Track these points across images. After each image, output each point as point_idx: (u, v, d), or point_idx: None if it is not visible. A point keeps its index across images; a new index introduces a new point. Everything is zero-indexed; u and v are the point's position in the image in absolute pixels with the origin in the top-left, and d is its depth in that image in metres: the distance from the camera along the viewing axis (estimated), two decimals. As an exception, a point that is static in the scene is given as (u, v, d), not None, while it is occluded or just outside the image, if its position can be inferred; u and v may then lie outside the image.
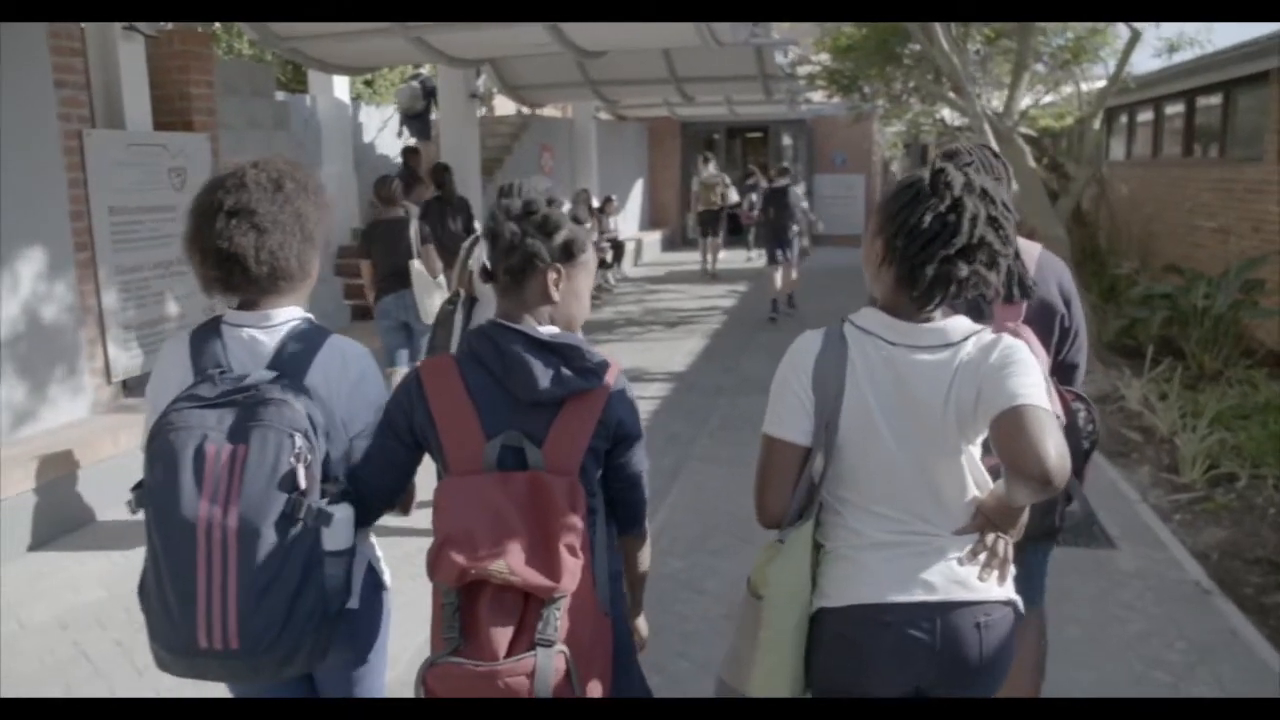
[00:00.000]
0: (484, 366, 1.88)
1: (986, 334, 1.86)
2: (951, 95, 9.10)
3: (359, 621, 2.00)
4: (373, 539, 2.10)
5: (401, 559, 3.76)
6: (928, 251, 1.78)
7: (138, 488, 1.82)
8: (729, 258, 17.55)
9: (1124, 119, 13.62)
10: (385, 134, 13.64)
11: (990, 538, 1.88)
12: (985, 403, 1.77)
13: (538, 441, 1.85)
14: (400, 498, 2.04)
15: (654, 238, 19.70)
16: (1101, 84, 11.18)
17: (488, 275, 1.96)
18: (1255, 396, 6.54)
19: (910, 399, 1.83)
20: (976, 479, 1.90)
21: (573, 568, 1.77)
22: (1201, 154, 11.27)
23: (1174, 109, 12.15)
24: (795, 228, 11.16)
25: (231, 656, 1.75)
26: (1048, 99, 11.72)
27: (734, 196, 16.12)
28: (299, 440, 1.77)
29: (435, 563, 1.77)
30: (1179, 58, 9.28)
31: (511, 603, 1.76)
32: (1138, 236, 11.93)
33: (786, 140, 21.11)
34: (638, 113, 19.08)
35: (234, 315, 1.98)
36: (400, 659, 3.38)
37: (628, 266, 15.40)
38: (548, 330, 1.91)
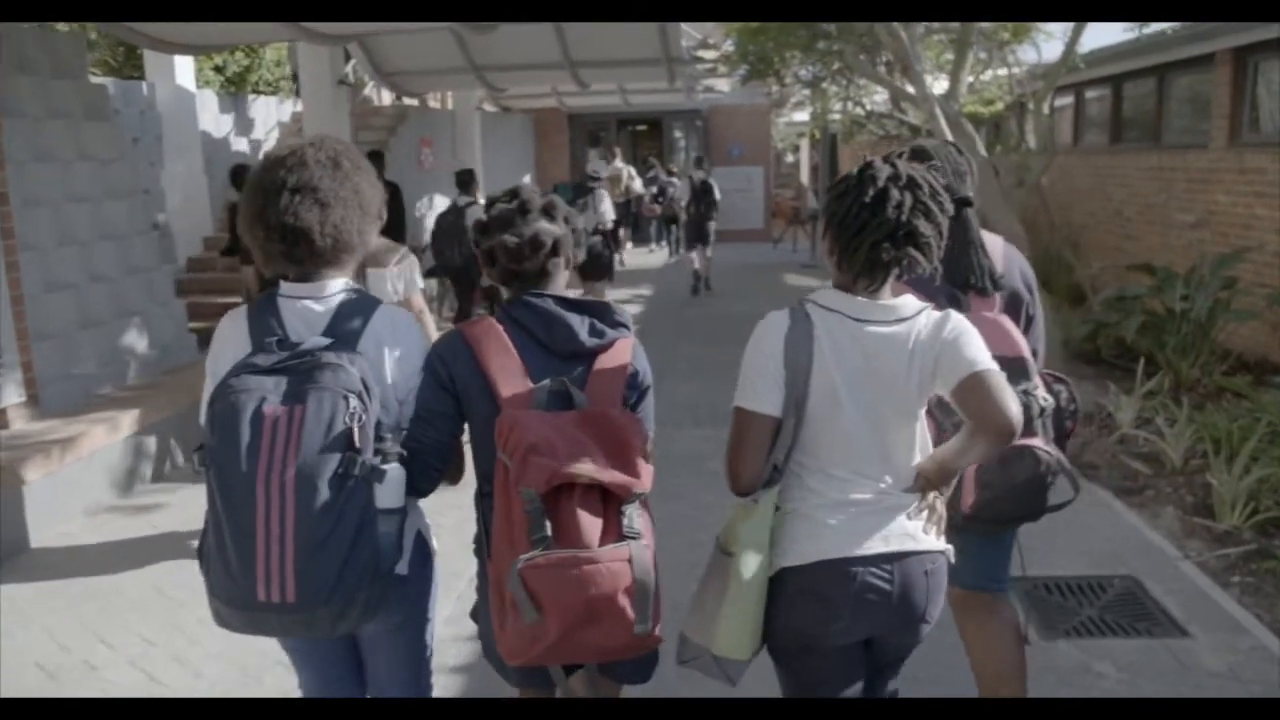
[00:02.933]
0: (524, 329, 2.07)
1: (933, 311, 2.05)
2: (887, 75, 8.13)
3: (408, 586, 2.07)
4: (421, 507, 2.17)
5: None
6: (858, 238, 1.97)
7: (199, 449, 1.89)
8: (629, 252, 16.56)
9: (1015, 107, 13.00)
10: (243, 128, 12.02)
11: (931, 497, 2.10)
12: (945, 370, 1.99)
13: (579, 388, 2.04)
14: (451, 454, 2.09)
15: (545, 237, 18.41)
16: (1029, 66, 10.48)
17: (512, 276, 2.12)
18: (1257, 411, 5.74)
19: (874, 369, 2.01)
20: (921, 443, 2.11)
21: (648, 470, 1.96)
22: (1134, 140, 10.67)
23: (1097, 93, 11.58)
24: (715, 220, 12.54)
25: (288, 610, 1.81)
26: (968, 81, 10.90)
27: (639, 188, 15.12)
28: (353, 401, 1.85)
29: (523, 469, 1.86)
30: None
31: (595, 505, 1.89)
32: (1059, 226, 11.30)
33: (678, 133, 20.11)
34: (524, 103, 17.74)
35: (289, 288, 2.06)
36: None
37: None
38: (574, 292, 2.15)
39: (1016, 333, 2.43)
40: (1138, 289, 7.15)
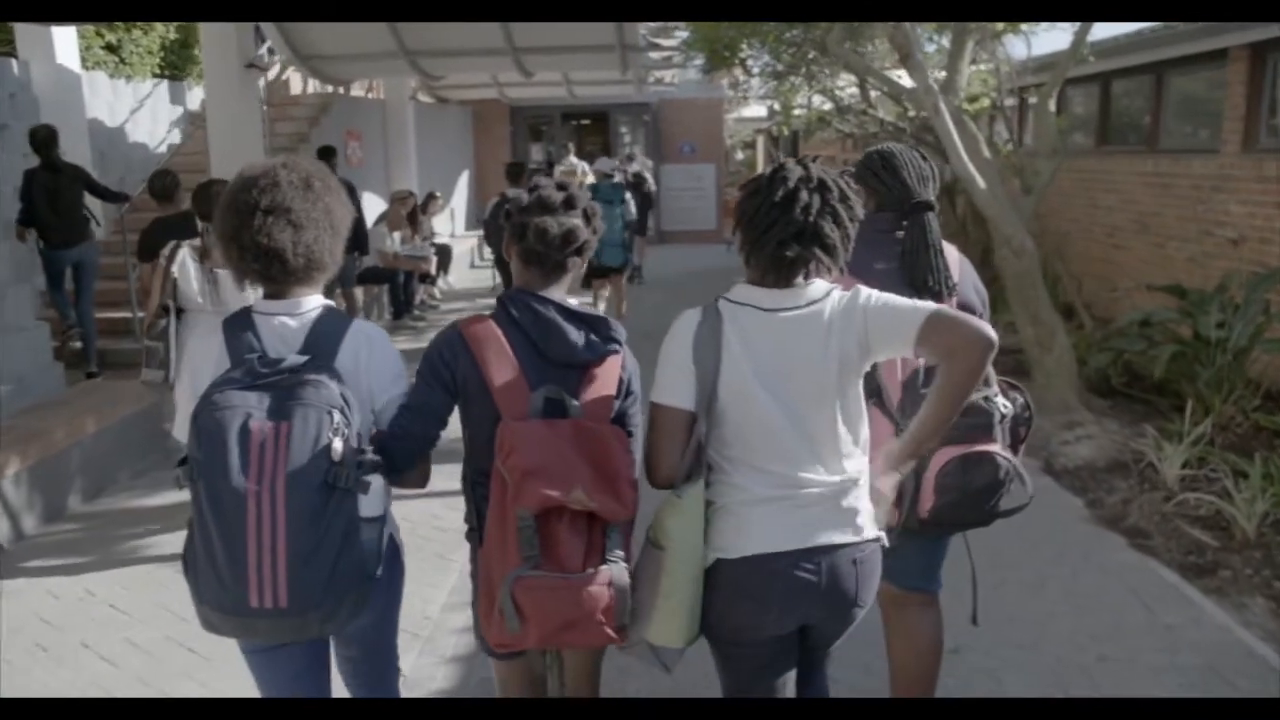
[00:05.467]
0: (521, 331, 2.13)
1: (841, 289, 2.07)
2: (873, 65, 7.18)
3: (381, 585, 2.14)
4: (391, 512, 2.28)
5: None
6: (765, 236, 2.03)
7: (182, 463, 1.95)
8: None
9: (1014, 102, 12.21)
10: (141, 115, 10.71)
11: (880, 481, 2.17)
12: (887, 332, 2.01)
13: (572, 396, 2.11)
14: (433, 447, 2.19)
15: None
16: (1020, 62, 9.65)
17: (534, 257, 2.18)
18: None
19: (788, 357, 2.04)
20: (850, 428, 2.10)
21: (634, 496, 2.06)
22: (1126, 143, 9.90)
23: (1081, 91, 10.82)
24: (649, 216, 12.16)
25: (280, 615, 1.88)
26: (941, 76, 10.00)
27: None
28: (337, 416, 1.92)
29: (519, 492, 1.97)
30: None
31: (581, 526, 2.01)
32: (1041, 234, 10.51)
33: (624, 128, 19.01)
34: (462, 94, 16.57)
35: (264, 304, 2.12)
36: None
37: (454, 276, 12.93)
38: (574, 301, 2.21)
39: None
40: (1166, 313, 6.28)
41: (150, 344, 4.43)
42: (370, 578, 2.03)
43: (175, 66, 11.64)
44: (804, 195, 1.99)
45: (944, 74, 7.10)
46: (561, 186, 2.22)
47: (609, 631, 2.01)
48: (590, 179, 14.66)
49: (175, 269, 4.36)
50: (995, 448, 2.39)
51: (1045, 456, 5.75)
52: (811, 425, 2.05)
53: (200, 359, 2.11)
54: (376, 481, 2.02)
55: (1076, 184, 10.52)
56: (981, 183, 6.09)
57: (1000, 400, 2.45)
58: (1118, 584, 4.15)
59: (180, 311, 4.36)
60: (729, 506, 2.08)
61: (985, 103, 9.41)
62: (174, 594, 4.18)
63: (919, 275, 2.49)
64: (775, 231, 2.00)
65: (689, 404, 2.05)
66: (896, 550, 2.28)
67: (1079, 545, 4.54)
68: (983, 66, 9.62)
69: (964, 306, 2.54)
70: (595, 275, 9.62)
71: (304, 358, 1.99)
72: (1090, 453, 5.66)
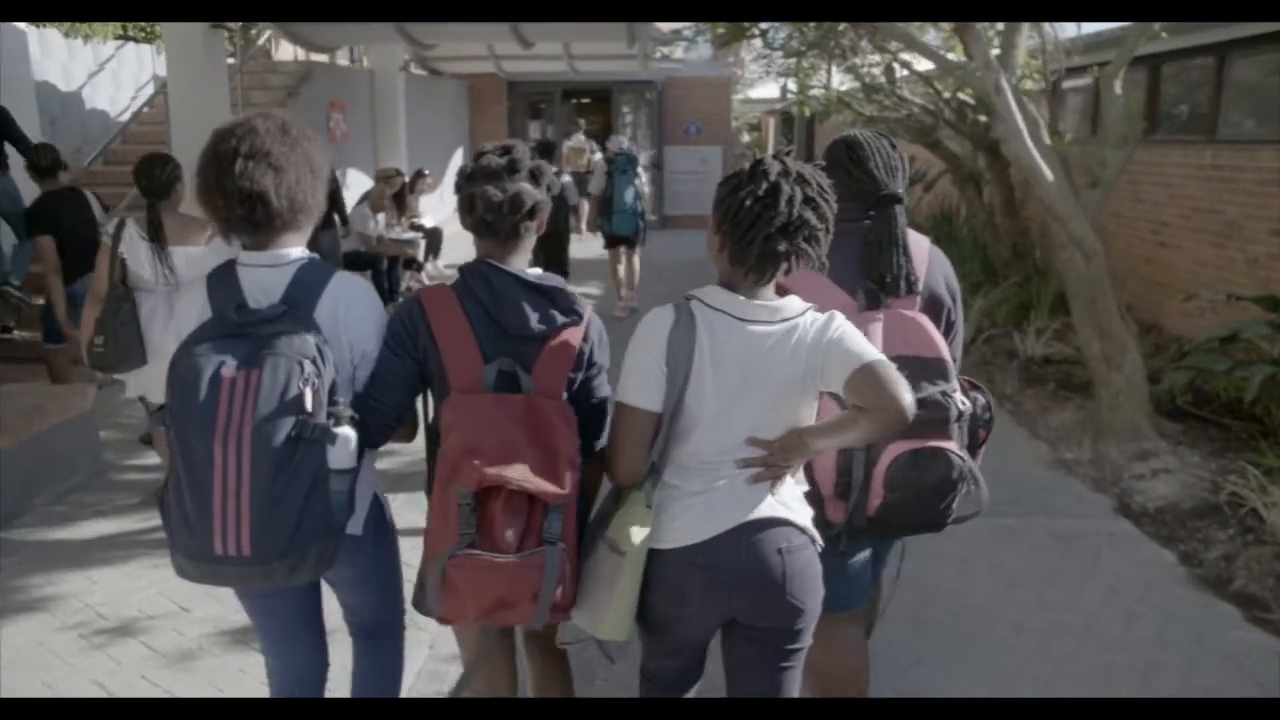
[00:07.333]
0: (478, 301, 2.14)
1: (814, 311, 2.09)
2: (922, 36, 6.32)
3: (363, 544, 2.22)
4: (375, 476, 2.30)
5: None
6: (752, 231, 2.01)
7: (160, 409, 2.08)
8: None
9: (1047, 88, 11.34)
10: (101, 79, 9.82)
11: (771, 459, 2.10)
12: (834, 368, 2.02)
13: (526, 369, 2.13)
14: (408, 414, 2.22)
15: (478, 219, 16.31)
16: (1067, 40, 8.80)
17: (485, 227, 2.17)
18: None
19: (755, 368, 2.05)
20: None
21: (574, 478, 2.04)
22: (1177, 132, 9.07)
23: (1126, 75, 9.96)
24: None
25: (245, 563, 1.90)
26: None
27: (599, 161, 13.25)
28: (308, 366, 1.93)
29: (457, 469, 1.99)
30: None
31: (520, 506, 2.00)
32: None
33: (626, 107, 18.09)
34: (457, 67, 15.66)
35: (248, 256, 2.14)
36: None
37: (452, 257, 12.08)
38: (534, 272, 2.19)
39: (936, 332, 2.38)
40: (1257, 327, 5.46)
41: (124, 332, 3.88)
42: (339, 530, 2.01)
43: (143, 28, 10.74)
44: (786, 187, 2.00)
45: (998, 50, 6.24)
46: (505, 151, 2.18)
47: (532, 619, 2.04)
48: (598, 156, 13.84)
49: (124, 249, 3.93)
50: (950, 445, 2.32)
51: (1118, 493, 4.95)
52: (762, 433, 2.08)
53: (186, 312, 2.13)
54: (347, 433, 2.00)
55: (1119, 176, 9.69)
56: (1049, 174, 5.28)
57: (959, 397, 2.36)
58: (1243, 678, 3.35)
59: (130, 292, 3.97)
60: (663, 503, 2.09)
61: (1028, 85, 8.53)
62: (63, 671, 3.38)
63: (879, 270, 2.39)
64: (762, 225, 1.99)
65: (657, 406, 2.06)
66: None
67: (1185, 619, 3.74)
68: (1027, 46, 8.75)
69: (931, 299, 2.50)
70: (612, 244, 9.37)
71: (281, 308, 2.00)
72: (1172, 491, 4.85)
